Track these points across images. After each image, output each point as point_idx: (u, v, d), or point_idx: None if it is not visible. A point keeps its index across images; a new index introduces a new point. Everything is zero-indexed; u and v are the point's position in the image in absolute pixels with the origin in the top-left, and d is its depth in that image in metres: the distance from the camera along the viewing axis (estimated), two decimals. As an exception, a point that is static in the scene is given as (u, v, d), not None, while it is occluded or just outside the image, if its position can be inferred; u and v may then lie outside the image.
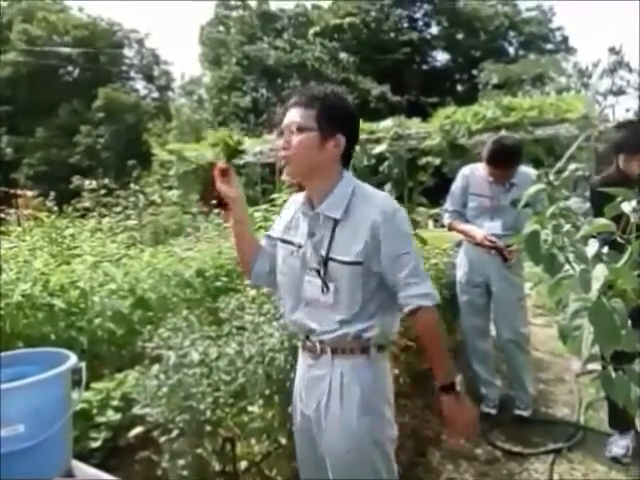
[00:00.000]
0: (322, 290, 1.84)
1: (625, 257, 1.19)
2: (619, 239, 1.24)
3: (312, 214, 1.90)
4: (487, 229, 3.83)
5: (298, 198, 2.04)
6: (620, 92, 36.33)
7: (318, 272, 1.85)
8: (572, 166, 1.63)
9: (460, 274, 4.10)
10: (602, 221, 1.25)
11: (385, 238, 1.80)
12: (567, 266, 1.29)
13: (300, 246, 1.91)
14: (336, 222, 1.84)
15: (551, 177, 1.42)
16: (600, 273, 1.15)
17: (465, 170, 4.05)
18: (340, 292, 1.83)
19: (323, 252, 1.84)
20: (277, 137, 1.94)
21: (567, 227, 1.31)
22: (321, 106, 1.82)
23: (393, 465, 1.96)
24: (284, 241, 1.99)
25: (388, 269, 1.82)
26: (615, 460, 3.38)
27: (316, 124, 1.82)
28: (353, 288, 1.83)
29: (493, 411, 4.00)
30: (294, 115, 1.85)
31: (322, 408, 1.88)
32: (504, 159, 3.74)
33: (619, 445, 3.44)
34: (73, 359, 1.68)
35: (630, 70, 36.42)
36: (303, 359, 2.00)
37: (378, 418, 1.90)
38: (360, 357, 1.87)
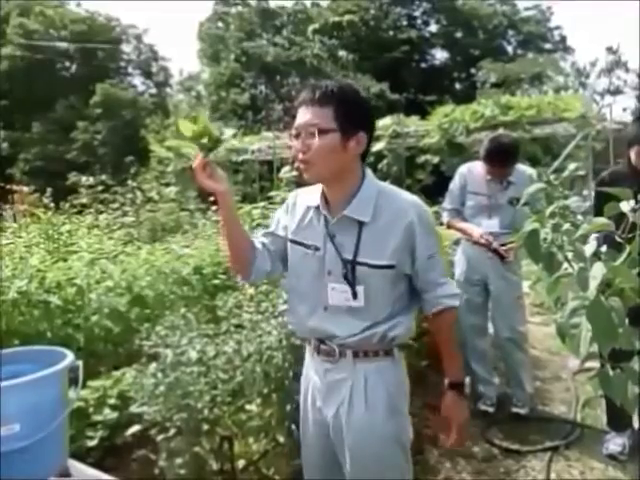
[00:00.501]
0: (352, 296, 1.77)
1: (623, 256, 1.19)
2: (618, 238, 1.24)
3: (339, 217, 1.79)
4: (485, 227, 3.83)
5: (306, 197, 1.93)
6: (617, 91, 36.40)
7: (345, 277, 1.77)
8: (572, 165, 1.63)
9: (458, 272, 4.10)
10: (601, 220, 1.25)
11: (421, 238, 1.76)
12: (566, 264, 1.29)
13: (317, 248, 1.82)
14: (361, 224, 1.76)
15: (551, 176, 1.42)
16: (598, 271, 1.16)
17: (463, 169, 4.06)
18: (370, 297, 1.77)
19: (349, 256, 1.76)
20: (290, 138, 1.81)
21: (566, 226, 1.31)
22: (338, 103, 1.70)
23: (411, 464, 1.92)
24: (296, 242, 1.90)
25: (420, 269, 1.79)
26: (612, 457, 3.38)
27: (336, 124, 1.69)
28: (384, 292, 1.79)
29: (490, 409, 4.00)
30: (310, 115, 1.71)
31: (343, 412, 1.82)
32: (501, 157, 3.74)
33: (616, 443, 3.44)
34: (70, 357, 1.68)
35: (627, 70, 36.52)
36: (317, 364, 1.91)
37: (401, 419, 1.87)
38: (384, 359, 1.83)
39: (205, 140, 1.77)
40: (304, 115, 1.73)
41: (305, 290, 1.88)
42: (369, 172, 1.85)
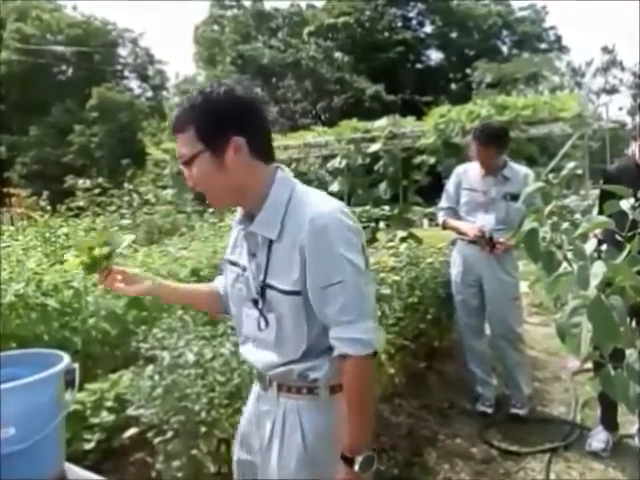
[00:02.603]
0: (259, 325, 1.56)
1: (624, 254, 1.18)
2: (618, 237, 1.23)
3: (247, 233, 1.58)
4: (480, 222, 3.84)
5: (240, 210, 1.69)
6: (613, 90, 36.54)
7: (255, 302, 1.56)
8: (570, 164, 1.62)
9: (455, 273, 4.10)
10: (601, 218, 1.24)
11: (311, 263, 1.45)
12: (565, 264, 1.28)
13: (245, 269, 1.60)
14: (272, 241, 1.51)
15: (550, 176, 1.41)
16: (599, 270, 1.14)
17: (459, 169, 4.14)
18: (283, 326, 1.53)
19: (262, 277, 1.53)
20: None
21: (565, 225, 1.30)
22: (196, 121, 1.46)
23: None
24: (231, 262, 1.69)
25: (314, 301, 1.47)
26: (594, 455, 3.38)
27: (200, 143, 1.46)
28: (297, 322, 1.51)
29: (489, 410, 3.99)
30: (178, 145, 1.51)
31: (263, 450, 1.63)
32: (490, 136, 3.81)
33: (599, 439, 3.44)
34: (66, 360, 1.66)
35: (623, 69, 36.67)
36: (256, 388, 1.75)
37: (323, 471, 1.55)
38: (307, 398, 1.57)
39: (98, 252, 1.62)
40: (177, 147, 1.53)
41: (236, 316, 1.69)
42: (282, 175, 1.56)
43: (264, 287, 1.53)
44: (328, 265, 1.44)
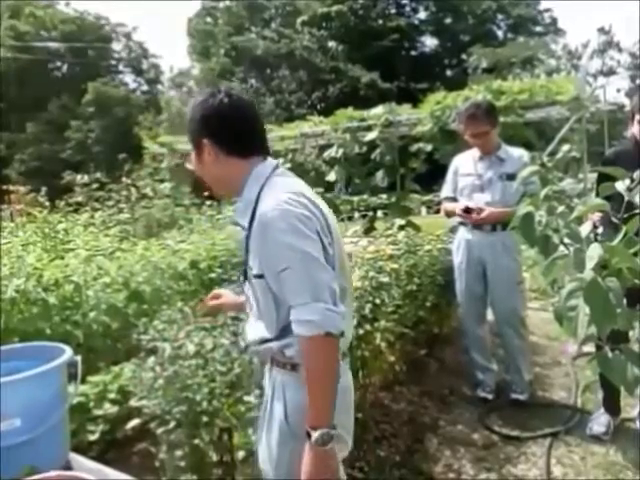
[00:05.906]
0: (249, 303, 1.76)
1: (620, 236, 1.19)
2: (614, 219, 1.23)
3: (234, 223, 1.80)
4: (477, 200, 3.85)
5: None
6: (610, 72, 36.34)
7: (244, 283, 1.75)
8: (565, 147, 1.61)
9: (457, 260, 4.09)
10: (597, 200, 1.25)
11: (262, 253, 1.60)
12: (561, 247, 1.28)
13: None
14: (250, 229, 1.64)
15: (545, 159, 1.41)
16: (594, 252, 1.15)
17: (455, 158, 4.18)
18: (259, 307, 1.69)
19: (244, 259, 1.72)
20: None
21: (561, 208, 1.30)
22: (188, 128, 1.76)
23: None
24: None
25: (272, 284, 1.61)
26: (595, 438, 3.38)
27: (192, 144, 1.76)
28: (267, 303, 1.65)
29: (490, 396, 4.00)
30: None
31: (260, 422, 1.80)
32: (479, 111, 3.84)
33: (600, 423, 3.44)
34: (68, 353, 1.68)
35: (620, 50, 36.42)
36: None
37: (297, 445, 1.60)
38: (290, 374, 1.67)
39: None
40: None
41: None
42: (259, 168, 1.70)
43: (246, 269, 1.70)
44: (273, 254, 1.57)
